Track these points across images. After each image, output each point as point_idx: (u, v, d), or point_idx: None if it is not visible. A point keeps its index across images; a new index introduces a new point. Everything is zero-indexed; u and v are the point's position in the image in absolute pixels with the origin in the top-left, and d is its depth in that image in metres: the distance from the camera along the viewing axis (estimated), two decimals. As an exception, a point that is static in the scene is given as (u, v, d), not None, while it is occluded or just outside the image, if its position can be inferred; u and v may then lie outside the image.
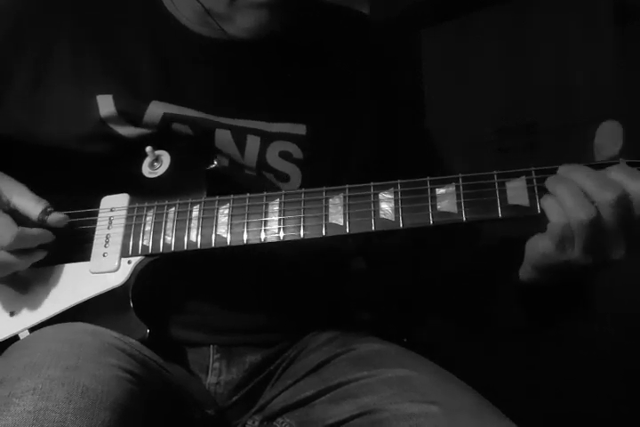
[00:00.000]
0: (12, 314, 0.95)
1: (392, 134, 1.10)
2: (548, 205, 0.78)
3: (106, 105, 0.98)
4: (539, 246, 0.81)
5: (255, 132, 1.01)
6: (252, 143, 1.01)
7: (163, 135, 0.98)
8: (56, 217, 0.91)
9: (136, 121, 0.98)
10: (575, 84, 2.75)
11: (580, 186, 0.76)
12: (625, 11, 2.60)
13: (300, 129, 1.02)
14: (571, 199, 0.75)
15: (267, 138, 1.01)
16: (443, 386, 0.90)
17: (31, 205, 0.91)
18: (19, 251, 0.89)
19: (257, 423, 1.00)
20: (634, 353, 2.25)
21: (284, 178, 1.02)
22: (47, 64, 1.01)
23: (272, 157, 1.01)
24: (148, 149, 0.95)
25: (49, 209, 0.91)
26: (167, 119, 0.98)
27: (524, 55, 2.90)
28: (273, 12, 0.93)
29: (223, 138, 1.00)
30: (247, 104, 1.02)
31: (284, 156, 1.02)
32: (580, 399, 2.30)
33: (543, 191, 0.79)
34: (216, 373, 1.00)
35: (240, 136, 1.00)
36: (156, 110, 0.98)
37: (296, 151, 1.02)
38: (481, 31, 3.04)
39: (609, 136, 0.81)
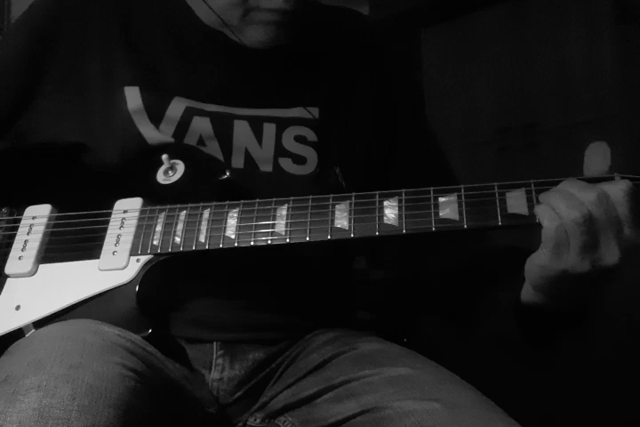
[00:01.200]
0: (17, 308, 0.96)
1: (392, 135, 1.12)
2: (540, 211, 0.81)
3: (133, 97, 1.02)
4: (536, 259, 0.83)
5: (271, 119, 1.05)
6: (269, 130, 1.05)
7: (179, 146, 1.02)
8: None
9: (159, 116, 1.02)
10: (575, 84, 2.75)
11: (568, 192, 0.80)
12: (625, 11, 2.61)
13: (313, 112, 1.07)
14: (563, 203, 0.79)
15: (282, 124, 1.06)
16: (444, 384, 0.90)
17: None
18: None
19: (258, 421, 1.00)
20: (634, 353, 2.25)
21: (301, 161, 1.06)
22: (76, 61, 1.05)
23: (288, 142, 1.06)
24: (164, 156, 0.98)
25: None
26: (189, 113, 1.03)
27: (524, 55, 2.90)
28: (280, 29, 1.00)
29: (241, 129, 1.04)
30: (262, 96, 1.06)
31: (300, 139, 1.06)
32: (580, 399, 2.30)
33: None
34: (219, 368, 1.00)
35: (257, 125, 1.05)
36: (178, 105, 1.03)
37: (310, 134, 1.06)
38: (481, 31, 3.05)
39: (598, 156, 0.85)
